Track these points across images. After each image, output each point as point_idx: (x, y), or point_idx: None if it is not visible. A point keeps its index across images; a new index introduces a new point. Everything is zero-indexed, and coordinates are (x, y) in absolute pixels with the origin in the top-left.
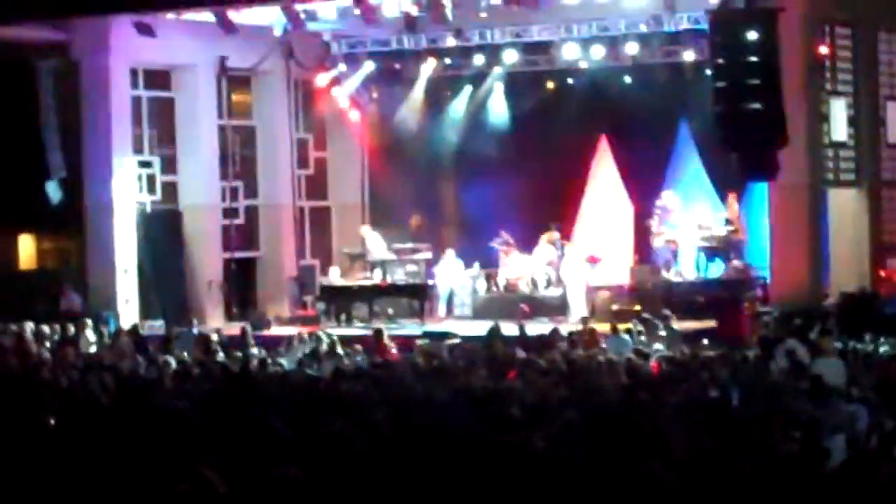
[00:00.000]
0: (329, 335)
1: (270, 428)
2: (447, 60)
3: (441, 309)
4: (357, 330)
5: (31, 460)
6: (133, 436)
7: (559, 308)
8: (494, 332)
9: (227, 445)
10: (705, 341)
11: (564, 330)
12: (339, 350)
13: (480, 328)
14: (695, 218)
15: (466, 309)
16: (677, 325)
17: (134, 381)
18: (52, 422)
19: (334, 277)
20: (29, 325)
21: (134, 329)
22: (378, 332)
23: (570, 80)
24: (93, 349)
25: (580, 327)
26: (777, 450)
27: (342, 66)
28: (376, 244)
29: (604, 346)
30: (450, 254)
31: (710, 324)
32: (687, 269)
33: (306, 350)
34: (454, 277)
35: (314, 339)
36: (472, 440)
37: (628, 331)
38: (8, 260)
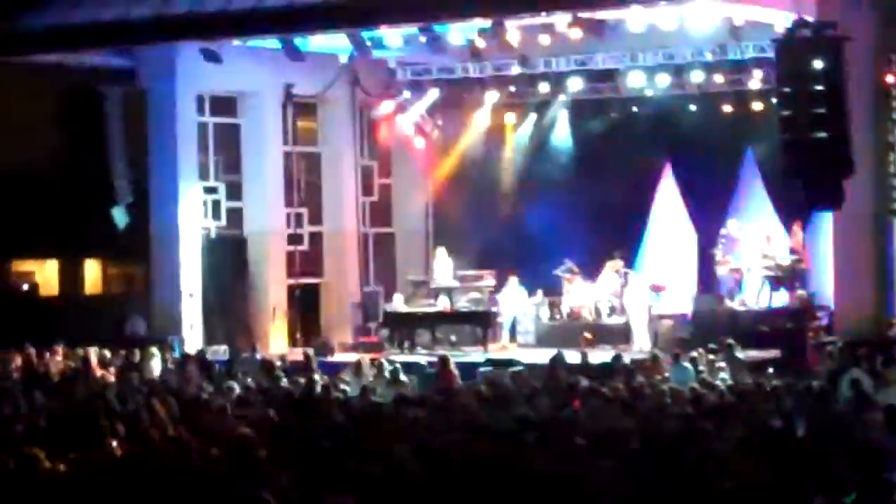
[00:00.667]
0: (392, 362)
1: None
2: (512, 88)
3: (504, 336)
4: (420, 357)
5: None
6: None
7: (622, 336)
8: (557, 360)
9: (289, 471)
10: (770, 371)
11: (627, 358)
12: (403, 377)
13: (543, 356)
14: (759, 247)
15: (530, 336)
16: (741, 354)
17: (198, 407)
18: (116, 445)
19: (398, 304)
20: (94, 350)
21: (199, 354)
22: (444, 360)
23: (634, 108)
24: (157, 374)
25: (643, 356)
26: (841, 482)
27: (407, 94)
28: (444, 269)
29: (667, 374)
30: (513, 281)
31: (775, 353)
32: (751, 298)
33: (369, 377)
34: (517, 305)
35: (377, 365)
36: (535, 470)
37: (692, 360)
38: (74, 285)
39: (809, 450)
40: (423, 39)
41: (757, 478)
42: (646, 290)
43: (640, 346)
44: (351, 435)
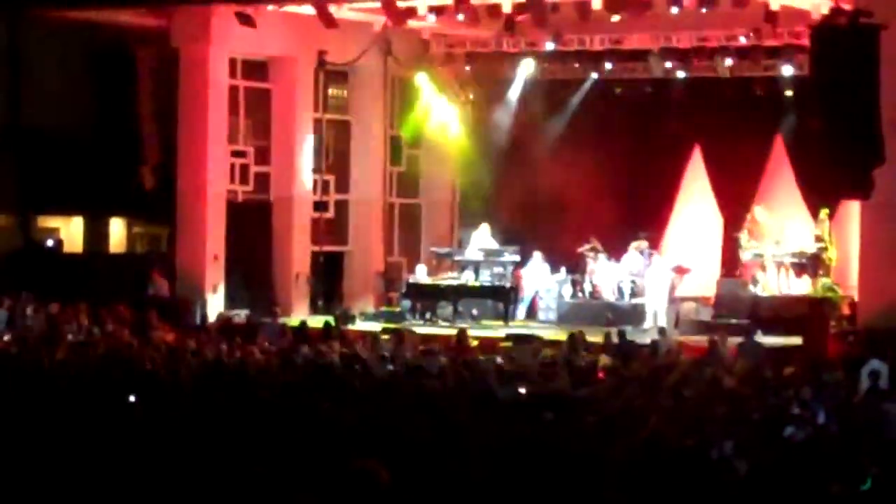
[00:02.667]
0: (412, 332)
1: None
2: (544, 64)
3: (521, 311)
4: (441, 329)
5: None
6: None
7: (643, 317)
8: (578, 338)
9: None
10: (789, 358)
11: (647, 339)
12: (422, 347)
13: (564, 333)
14: (785, 233)
15: (551, 314)
16: (761, 339)
17: (218, 368)
18: (134, 400)
19: (421, 275)
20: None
21: (221, 316)
22: (462, 332)
23: (666, 90)
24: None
25: (662, 337)
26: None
27: (439, 66)
28: (480, 244)
29: (683, 357)
30: (537, 256)
31: (796, 340)
32: (774, 284)
33: (389, 346)
34: (539, 280)
35: (397, 335)
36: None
37: (712, 343)
38: (98, 243)
39: (826, 437)
40: (458, 11)
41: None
42: (669, 272)
43: (659, 327)
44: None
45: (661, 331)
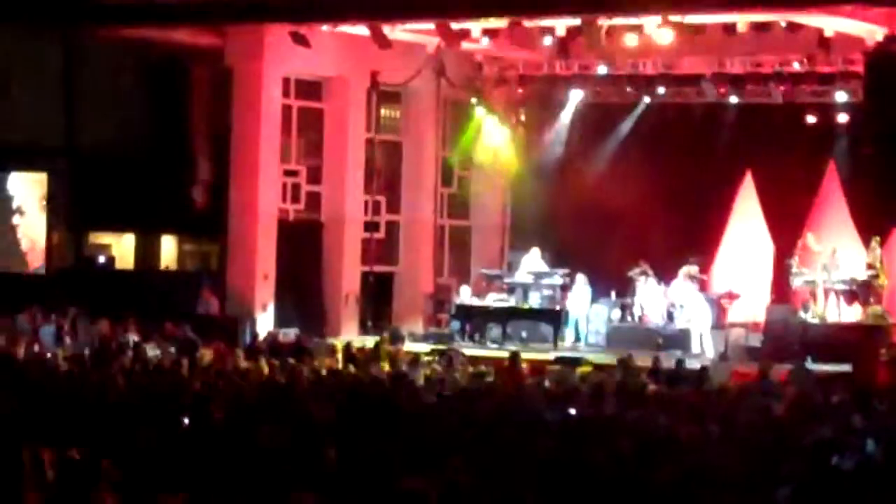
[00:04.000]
0: (461, 354)
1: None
2: (597, 88)
3: (569, 335)
4: (490, 351)
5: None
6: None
7: (692, 342)
8: (626, 362)
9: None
10: (839, 385)
11: (697, 364)
12: (471, 369)
13: (613, 357)
14: (836, 260)
15: (600, 337)
16: (811, 367)
17: (268, 387)
18: (186, 422)
19: (470, 297)
20: (167, 326)
21: (270, 335)
22: (515, 355)
23: (718, 115)
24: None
25: (713, 363)
26: None
27: (492, 88)
28: (531, 267)
29: (732, 383)
30: (580, 279)
31: (845, 368)
32: (825, 311)
33: (438, 367)
34: (583, 303)
35: (446, 356)
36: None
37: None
38: (150, 260)
39: (875, 466)
40: (511, 34)
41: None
42: (718, 298)
43: (710, 353)
44: (422, 424)
45: (723, 355)
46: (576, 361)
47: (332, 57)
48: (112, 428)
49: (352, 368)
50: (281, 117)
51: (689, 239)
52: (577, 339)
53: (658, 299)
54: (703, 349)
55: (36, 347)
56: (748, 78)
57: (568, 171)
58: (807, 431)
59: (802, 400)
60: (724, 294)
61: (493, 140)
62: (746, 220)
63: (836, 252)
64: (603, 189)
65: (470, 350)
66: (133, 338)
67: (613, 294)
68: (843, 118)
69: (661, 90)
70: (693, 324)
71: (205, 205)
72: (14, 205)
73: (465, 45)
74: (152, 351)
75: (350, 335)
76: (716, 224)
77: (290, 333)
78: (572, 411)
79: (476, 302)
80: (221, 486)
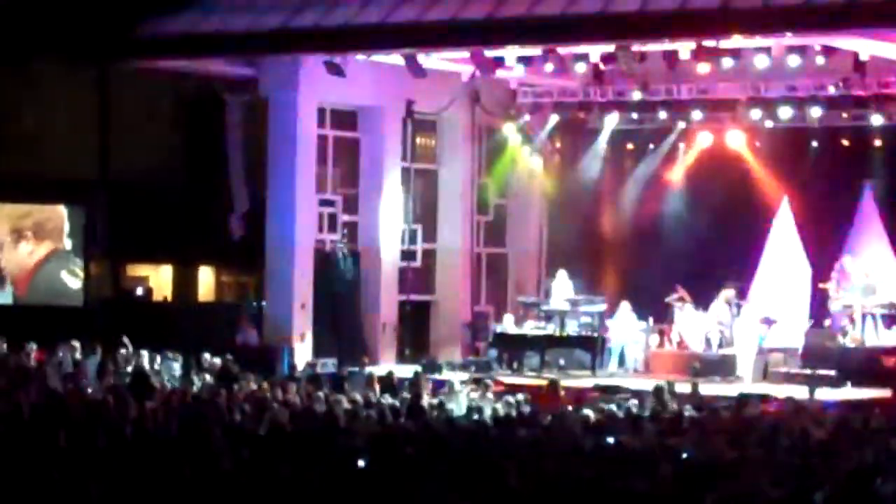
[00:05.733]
0: (496, 381)
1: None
2: (632, 114)
3: (613, 363)
4: (528, 379)
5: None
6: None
7: (731, 368)
8: (665, 388)
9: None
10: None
11: (736, 391)
12: (510, 398)
13: (652, 384)
14: (874, 284)
15: (638, 364)
16: (850, 391)
17: (307, 419)
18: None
19: (508, 325)
20: (205, 357)
21: (309, 366)
22: (554, 383)
23: (753, 139)
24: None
25: (752, 389)
26: None
27: (527, 115)
28: (563, 292)
29: (771, 409)
30: (625, 307)
31: (885, 393)
32: (864, 335)
33: (476, 396)
34: (628, 332)
35: (484, 385)
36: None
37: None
38: (187, 291)
39: None
40: (545, 61)
41: None
42: (757, 323)
43: (748, 378)
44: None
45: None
46: (614, 389)
47: (368, 86)
48: (154, 461)
49: (388, 398)
50: (316, 147)
51: (727, 264)
52: (622, 365)
53: (697, 325)
54: (743, 374)
55: (78, 381)
56: (784, 102)
57: (603, 198)
58: (847, 456)
59: (842, 424)
60: (762, 319)
61: (529, 167)
62: (783, 245)
63: (874, 275)
64: (639, 215)
65: (508, 378)
66: (174, 369)
67: (651, 320)
68: (879, 142)
69: (696, 115)
70: (735, 349)
71: (242, 235)
72: None
73: (500, 73)
74: (191, 382)
75: (388, 364)
76: (753, 249)
77: (328, 363)
78: (611, 440)
79: (514, 330)
80: None
